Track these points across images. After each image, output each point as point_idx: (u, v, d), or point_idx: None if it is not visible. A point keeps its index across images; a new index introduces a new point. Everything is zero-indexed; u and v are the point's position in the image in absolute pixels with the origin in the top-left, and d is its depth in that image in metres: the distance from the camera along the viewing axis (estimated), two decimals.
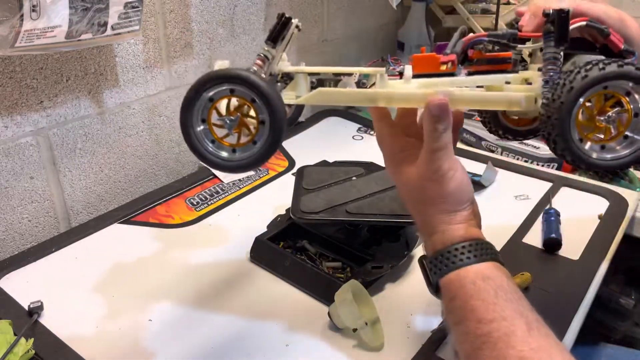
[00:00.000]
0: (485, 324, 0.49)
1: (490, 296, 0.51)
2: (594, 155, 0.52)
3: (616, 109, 0.51)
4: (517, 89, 0.55)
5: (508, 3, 1.52)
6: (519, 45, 0.56)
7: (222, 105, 0.53)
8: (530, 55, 0.58)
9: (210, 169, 0.55)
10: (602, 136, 0.52)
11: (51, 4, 0.69)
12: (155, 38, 0.99)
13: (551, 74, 0.52)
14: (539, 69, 0.54)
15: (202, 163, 0.54)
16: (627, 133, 0.52)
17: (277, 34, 0.56)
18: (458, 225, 0.55)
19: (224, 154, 0.53)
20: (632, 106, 0.51)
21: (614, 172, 0.52)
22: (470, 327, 0.50)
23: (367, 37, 1.58)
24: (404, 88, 0.56)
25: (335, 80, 0.58)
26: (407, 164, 0.58)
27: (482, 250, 0.54)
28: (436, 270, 0.55)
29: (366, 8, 1.53)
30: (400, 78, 0.56)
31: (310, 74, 0.57)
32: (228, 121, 0.52)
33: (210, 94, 0.52)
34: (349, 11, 1.47)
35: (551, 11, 0.52)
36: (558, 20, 0.51)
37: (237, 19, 1.14)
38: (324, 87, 0.56)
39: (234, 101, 0.53)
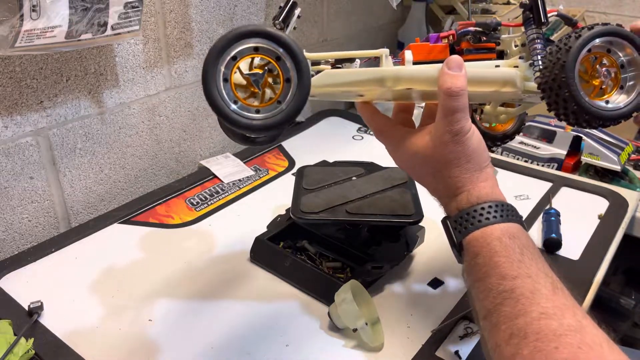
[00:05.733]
0: (509, 280, 0.49)
1: (515, 254, 0.50)
2: (605, 107, 0.55)
3: (604, 66, 0.55)
4: (509, 71, 0.58)
5: (508, 3, 1.52)
6: (503, 36, 0.61)
7: (244, 65, 0.52)
8: (523, 45, 0.60)
9: (235, 129, 0.53)
10: (602, 94, 0.56)
11: (51, 4, 0.69)
12: (155, 38, 0.99)
13: (538, 50, 0.57)
14: (520, 57, 0.59)
15: (226, 124, 0.52)
16: (622, 84, 0.56)
17: (287, 14, 0.56)
18: (484, 183, 0.55)
19: (249, 114, 0.51)
20: (616, 60, 0.56)
21: (624, 119, 0.57)
22: (492, 283, 0.50)
23: (367, 37, 1.58)
24: (410, 67, 0.58)
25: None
26: (415, 134, 0.59)
27: (508, 211, 0.54)
28: (461, 229, 0.54)
29: (366, 8, 1.53)
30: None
31: (312, 63, 0.57)
32: (255, 77, 0.51)
33: (234, 52, 0.51)
34: (349, 11, 1.47)
35: (527, 1, 0.58)
36: (534, 5, 0.58)
37: (237, 19, 1.14)
38: (331, 70, 0.57)
39: (257, 60, 0.52)
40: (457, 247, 0.56)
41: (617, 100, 0.55)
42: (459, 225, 0.55)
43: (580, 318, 0.46)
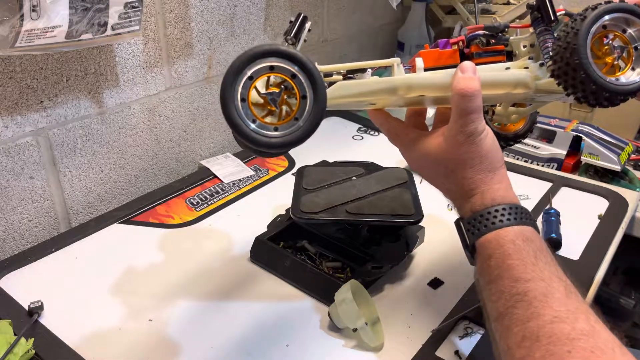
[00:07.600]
0: (522, 282, 0.49)
1: (529, 257, 0.50)
2: (620, 82, 0.54)
3: (618, 44, 0.55)
4: (520, 73, 0.58)
5: (508, 3, 1.53)
6: (511, 37, 0.61)
7: (260, 84, 0.52)
8: (532, 45, 0.60)
9: (254, 148, 0.53)
10: (614, 72, 0.55)
11: (51, 4, 0.69)
12: (155, 38, 0.99)
13: (548, 43, 0.57)
14: (530, 58, 0.59)
15: (245, 143, 0.52)
16: (633, 64, 0.55)
17: (298, 29, 0.56)
18: (498, 185, 0.55)
19: (268, 132, 0.52)
20: (630, 41, 0.55)
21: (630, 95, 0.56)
22: (505, 285, 0.50)
23: (367, 37, 1.58)
24: (422, 75, 0.58)
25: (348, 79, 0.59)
26: (428, 136, 0.59)
27: (522, 214, 0.54)
28: (474, 231, 0.54)
29: (366, 8, 1.53)
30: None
31: (324, 75, 0.57)
32: (272, 96, 0.52)
33: (251, 72, 0.51)
34: (349, 11, 1.47)
35: (534, 2, 0.58)
36: (542, 4, 0.58)
37: (237, 19, 1.14)
38: (344, 81, 0.57)
39: (273, 79, 0.52)
40: (470, 249, 0.56)
41: (631, 77, 0.55)
42: (472, 227, 0.55)
43: (593, 322, 0.46)
